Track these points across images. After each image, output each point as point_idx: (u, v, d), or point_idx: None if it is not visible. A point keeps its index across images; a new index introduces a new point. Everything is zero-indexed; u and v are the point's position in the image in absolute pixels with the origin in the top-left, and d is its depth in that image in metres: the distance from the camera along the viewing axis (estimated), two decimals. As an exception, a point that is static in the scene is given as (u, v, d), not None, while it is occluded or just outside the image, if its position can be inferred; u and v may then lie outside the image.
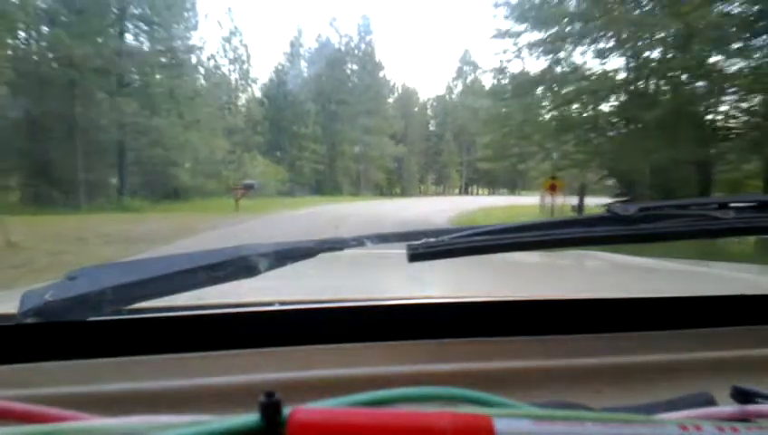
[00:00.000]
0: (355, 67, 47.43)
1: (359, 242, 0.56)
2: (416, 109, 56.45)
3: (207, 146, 24.93)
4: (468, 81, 58.67)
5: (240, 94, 38.18)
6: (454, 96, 59.96)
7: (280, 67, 43.62)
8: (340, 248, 0.55)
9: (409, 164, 50.34)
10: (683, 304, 0.67)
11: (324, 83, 44.09)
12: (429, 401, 0.29)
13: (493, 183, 60.72)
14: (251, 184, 19.44)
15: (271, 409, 0.25)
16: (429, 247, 0.52)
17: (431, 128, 59.55)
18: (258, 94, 40.93)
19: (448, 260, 0.53)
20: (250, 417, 0.26)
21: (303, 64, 45.10)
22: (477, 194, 59.82)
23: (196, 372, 0.51)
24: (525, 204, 25.53)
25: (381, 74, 50.01)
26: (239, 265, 0.51)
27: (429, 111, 60.16)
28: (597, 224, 0.55)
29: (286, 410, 0.26)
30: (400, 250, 0.54)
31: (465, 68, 59.31)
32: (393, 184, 50.35)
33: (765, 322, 0.64)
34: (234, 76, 38.01)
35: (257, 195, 25.71)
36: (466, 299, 0.67)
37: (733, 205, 0.58)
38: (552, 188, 13.99)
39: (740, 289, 0.94)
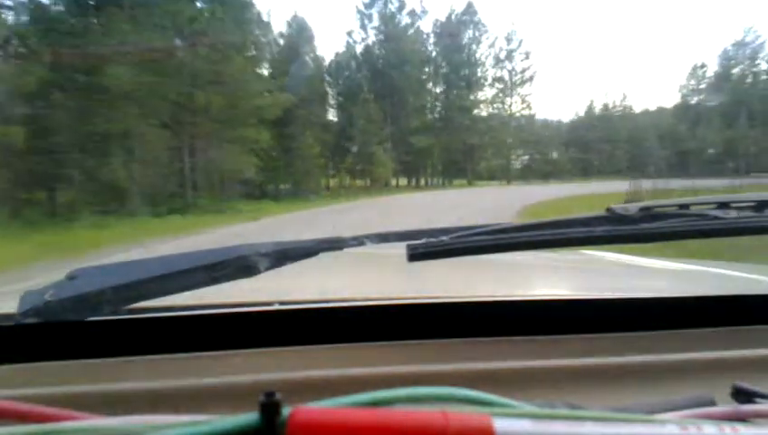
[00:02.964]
0: None
1: (358, 242, 0.56)
2: (311, 54, 32.55)
3: None
4: (393, 7, 39.23)
5: None
6: (371, 32, 39.12)
7: None
8: (340, 248, 0.55)
9: (303, 139, 25.01)
10: (683, 304, 0.67)
11: None
12: (429, 401, 0.29)
13: (417, 171, 41.38)
14: None
15: (271, 409, 0.25)
16: (429, 247, 0.52)
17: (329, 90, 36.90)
18: None
19: (448, 260, 0.53)
20: (250, 417, 0.26)
21: None
22: (397, 185, 37.51)
23: (196, 372, 0.51)
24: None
25: None
26: (239, 265, 0.51)
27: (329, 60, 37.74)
28: (597, 224, 0.55)
29: (286, 410, 0.26)
30: (400, 250, 0.54)
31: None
32: (277, 177, 25.00)
33: (765, 322, 0.64)
34: None
35: None
36: (466, 299, 0.67)
37: (733, 204, 0.58)
38: None
39: (740, 289, 0.94)
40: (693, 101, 53.01)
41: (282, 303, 0.63)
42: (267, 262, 0.52)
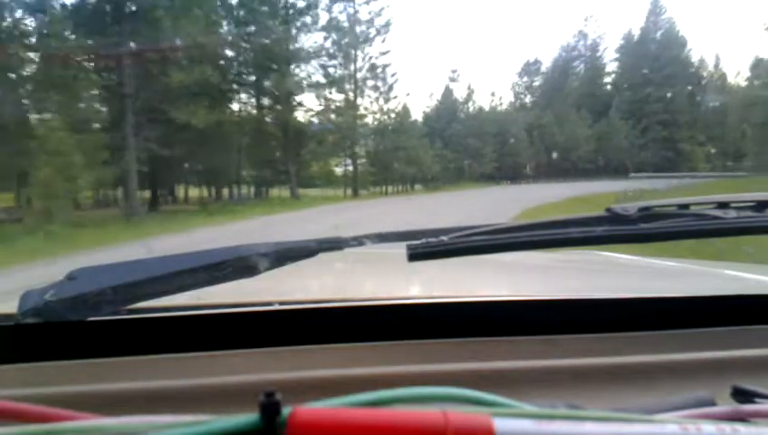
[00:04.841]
0: None
1: (358, 242, 0.56)
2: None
3: None
4: None
5: None
6: None
7: None
8: (340, 248, 0.55)
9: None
10: (683, 304, 0.67)
11: None
12: (429, 401, 0.29)
13: (217, 178, 22.94)
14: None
15: (271, 409, 0.25)
16: (429, 247, 0.52)
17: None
18: None
19: (448, 260, 0.53)
20: (250, 417, 0.26)
21: None
22: (182, 201, 22.81)
23: (196, 372, 0.51)
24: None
25: None
26: (239, 265, 0.51)
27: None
28: (597, 224, 0.55)
29: (286, 410, 0.26)
30: (400, 250, 0.54)
31: None
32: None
33: (765, 322, 0.64)
34: None
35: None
36: (466, 299, 0.67)
37: (733, 205, 0.58)
38: None
39: (740, 289, 0.94)
40: (527, 99, 49.29)
41: (282, 303, 0.63)
42: (267, 262, 0.52)
